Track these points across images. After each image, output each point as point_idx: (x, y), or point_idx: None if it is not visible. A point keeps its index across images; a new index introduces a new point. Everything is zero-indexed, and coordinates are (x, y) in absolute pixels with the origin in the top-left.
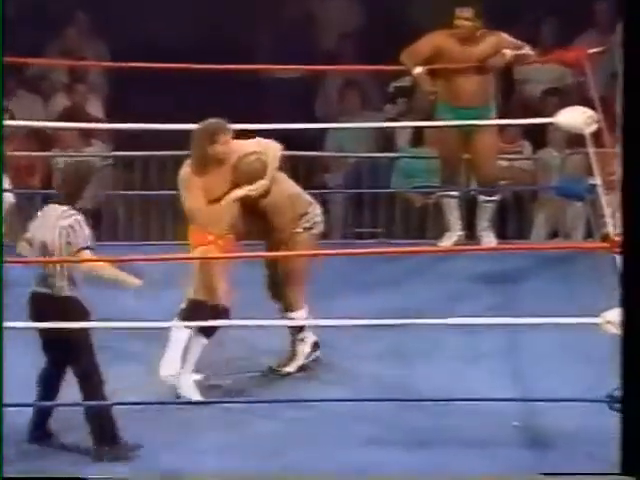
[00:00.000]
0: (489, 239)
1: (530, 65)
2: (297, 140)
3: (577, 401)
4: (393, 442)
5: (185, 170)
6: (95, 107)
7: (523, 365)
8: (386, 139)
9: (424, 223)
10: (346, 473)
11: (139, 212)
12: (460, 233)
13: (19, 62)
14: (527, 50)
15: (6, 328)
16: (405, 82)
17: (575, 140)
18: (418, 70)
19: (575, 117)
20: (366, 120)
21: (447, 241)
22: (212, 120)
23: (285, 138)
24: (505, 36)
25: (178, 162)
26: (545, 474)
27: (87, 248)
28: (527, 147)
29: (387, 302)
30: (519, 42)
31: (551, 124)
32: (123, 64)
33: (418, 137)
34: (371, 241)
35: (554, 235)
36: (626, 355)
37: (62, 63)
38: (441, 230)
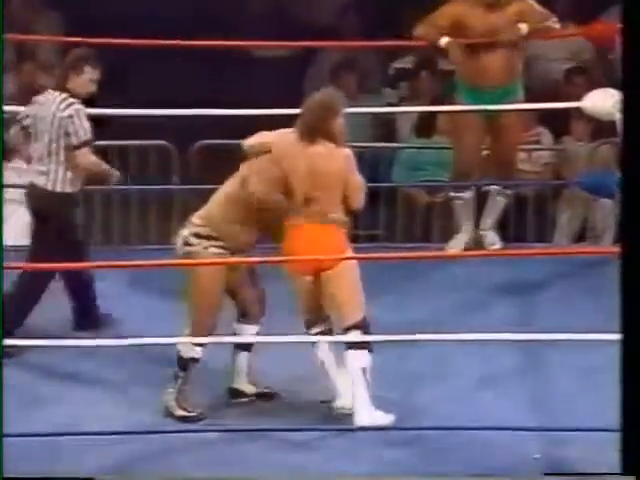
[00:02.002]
0: (492, 240)
1: (545, 40)
2: (284, 128)
3: (605, 431)
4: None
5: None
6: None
7: (544, 387)
8: (386, 127)
9: (430, 224)
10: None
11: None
12: (471, 235)
13: None
14: (553, 22)
15: (6, 346)
16: (407, 63)
17: (604, 128)
18: (446, 39)
19: (605, 101)
20: (363, 105)
21: (456, 244)
22: (329, 90)
23: (270, 125)
24: (531, 3)
25: (140, 152)
26: (545, 474)
27: (85, 143)
28: (547, 135)
29: (387, 314)
30: (545, 11)
31: (575, 109)
32: (80, 39)
33: (424, 125)
34: (369, 245)
35: (580, 238)
36: (626, 354)
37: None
38: (449, 232)
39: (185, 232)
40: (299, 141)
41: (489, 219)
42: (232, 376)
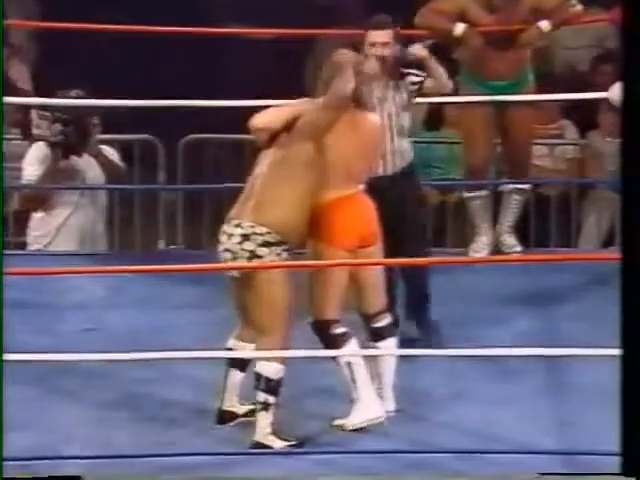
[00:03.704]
0: (511, 244)
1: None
2: None
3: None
4: None
5: None
6: (20, 76)
7: (567, 407)
8: None
9: (442, 227)
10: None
11: None
12: (490, 237)
13: None
14: (574, 7)
15: (6, 361)
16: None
17: None
18: (462, 26)
19: None
20: None
21: (479, 248)
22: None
23: None
24: None
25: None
26: (545, 474)
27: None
28: (571, 128)
29: None
30: None
31: (603, 101)
32: (54, 24)
33: (435, 117)
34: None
35: (609, 242)
36: (626, 353)
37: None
38: (464, 236)
39: (250, 246)
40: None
41: (505, 222)
42: (222, 397)
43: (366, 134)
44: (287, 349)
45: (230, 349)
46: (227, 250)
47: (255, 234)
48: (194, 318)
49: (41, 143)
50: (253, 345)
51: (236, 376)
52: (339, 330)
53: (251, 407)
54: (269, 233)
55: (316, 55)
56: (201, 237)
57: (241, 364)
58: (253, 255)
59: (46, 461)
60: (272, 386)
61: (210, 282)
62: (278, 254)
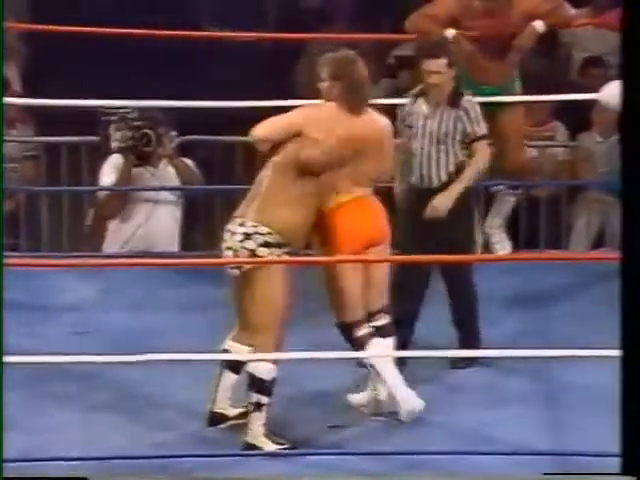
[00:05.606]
0: (501, 242)
1: (583, 28)
2: None
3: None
4: None
5: None
6: (11, 77)
7: (558, 408)
8: None
9: None
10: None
11: (68, 213)
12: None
13: None
14: (567, 10)
15: (6, 363)
16: (409, 50)
17: None
18: (452, 32)
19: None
20: None
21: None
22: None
23: (257, 119)
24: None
25: None
26: (545, 474)
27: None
28: (561, 130)
29: None
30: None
31: (596, 102)
32: (45, 27)
33: None
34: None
35: (599, 243)
36: (626, 354)
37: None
38: None
39: (250, 245)
40: (343, 112)
41: (497, 219)
42: (213, 399)
43: (372, 136)
44: (281, 350)
45: (226, 350)
46: (229, 248)
47: (257, 234)
48: (189, 319)
49: (117, 154)
50: (249, 347)
51: (229, 378)
52: (361, 332)
53: (242, 410)
54: (270, 234)
55: (308, 57)
56: (195, 240)
57: (235, 366)
58: (253, 254)
59: (43, 462)
60: (265, 386)
61: (206, 283)
62: (278, 256)
